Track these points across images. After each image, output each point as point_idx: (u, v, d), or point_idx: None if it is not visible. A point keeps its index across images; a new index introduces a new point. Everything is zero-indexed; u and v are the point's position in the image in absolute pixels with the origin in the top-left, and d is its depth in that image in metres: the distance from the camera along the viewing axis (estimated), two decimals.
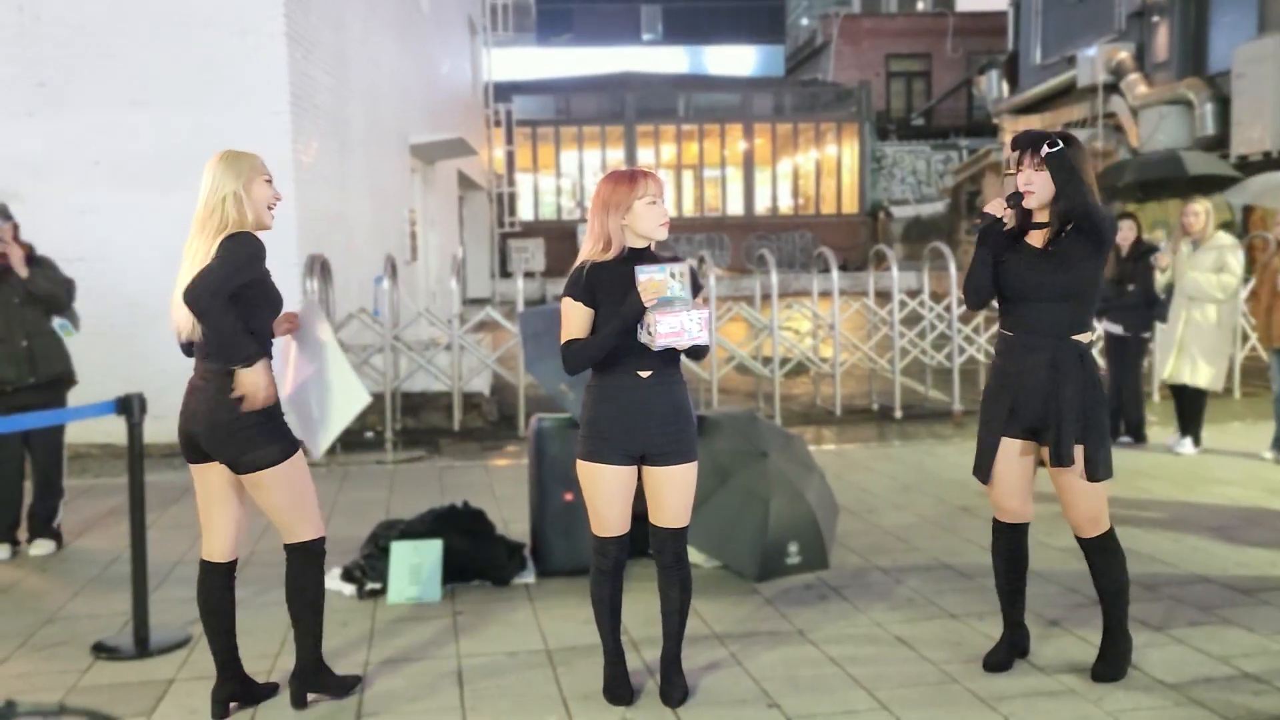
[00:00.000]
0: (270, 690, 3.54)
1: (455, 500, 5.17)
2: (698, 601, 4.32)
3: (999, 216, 3.50)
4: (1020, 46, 25.35)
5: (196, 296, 3.17)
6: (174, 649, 3.98)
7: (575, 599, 4.50)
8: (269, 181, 3.40)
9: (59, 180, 8.10)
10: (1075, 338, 3.46)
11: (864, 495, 6.28)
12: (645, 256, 3.28)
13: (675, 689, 3.42)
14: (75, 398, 5.62)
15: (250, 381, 3.21)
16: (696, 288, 3.26)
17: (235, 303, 3.22)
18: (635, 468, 3.35)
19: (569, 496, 4.78)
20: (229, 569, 3.46)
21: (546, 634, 4.10)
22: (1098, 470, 3.45)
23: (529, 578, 4.77)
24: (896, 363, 9.56)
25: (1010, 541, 3.68)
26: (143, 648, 3.92)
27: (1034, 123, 23.82)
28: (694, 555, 4.82)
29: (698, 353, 3.28)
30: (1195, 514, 5.70)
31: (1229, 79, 16.60)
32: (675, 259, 3.27)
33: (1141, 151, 14.09)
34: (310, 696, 3.46)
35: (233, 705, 3.43)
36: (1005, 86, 25.73)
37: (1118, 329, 7.51)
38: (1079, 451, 3.43)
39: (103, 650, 3.95)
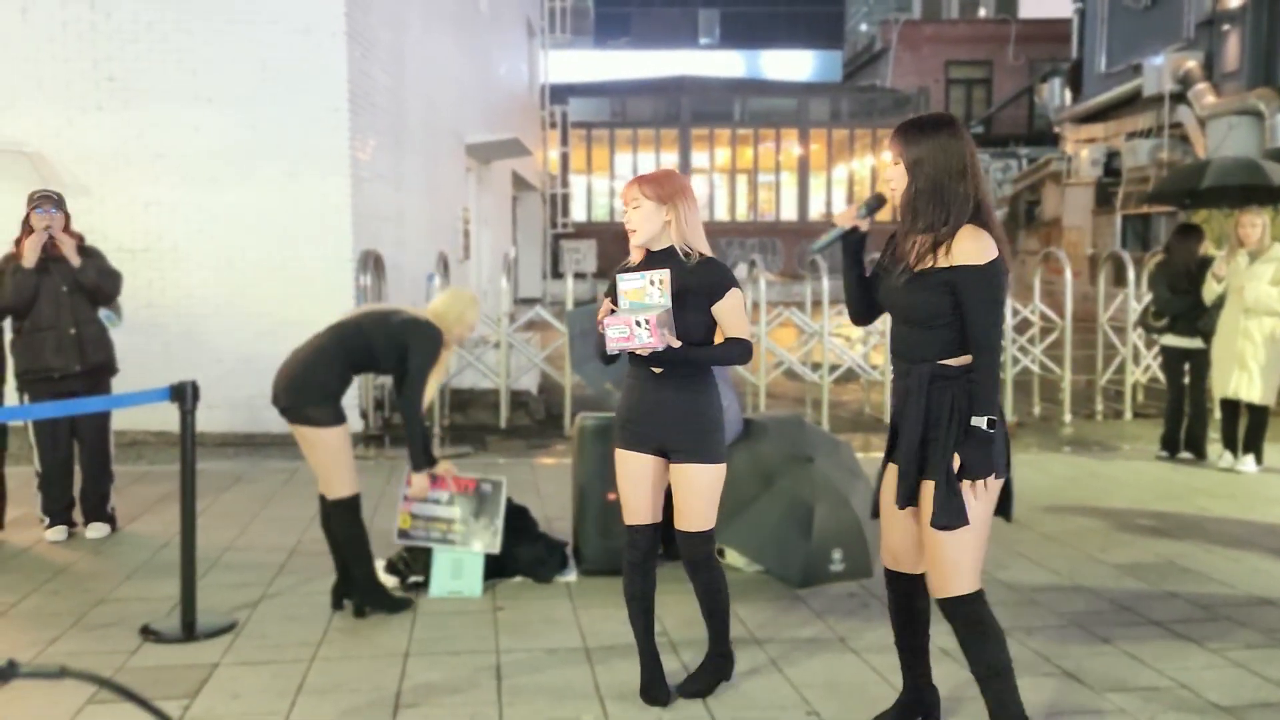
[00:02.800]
0: None
1: None
2: (738, 605, 4.30)
3: (851, 227, 3.07)
4: (1084, 54, 24.87)
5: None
6: (219, 634, 4.03)
7: (615, 598, 4.48)
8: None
9: (124, 174, 8.29)
10: (941, 361, 2.89)
11: None
12: (657, 260, 3.32)
13: (693, 681, 3.50)
14: (129, 386, 5.74)
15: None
16: (722, 287, 3.31)
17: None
18: (661, 460, 3.39)
19: (611, 496, 4.76)
20: None
21: (586, 632, 4.10)
22: (937, 516, 2.85)
23: (570, 576, 4.77)
24: None
25: (897, 592, 3.13)
26: (189, 632, 3.98)
27: (1097, 132, 23.38)
28: (735, 559, 4.79)
29: (659, 357, 3.25)
30: (1255, 534, 5.54)
31: None
32: (700, 265, 3.31)
33: (1213, 157, 13.74)
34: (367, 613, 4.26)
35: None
36: (1068, 95, 25.26)
37: (1183, 342, 7.32)
38: (926, 489, 2.89)
39: (150, 633, 4.02)
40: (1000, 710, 2.93)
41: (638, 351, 3.20)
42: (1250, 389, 6.96)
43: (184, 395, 4.00)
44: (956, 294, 2.84)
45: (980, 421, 2.82)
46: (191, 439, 4.02)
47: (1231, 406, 7.18)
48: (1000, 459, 2.88)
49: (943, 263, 2.85)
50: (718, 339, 3.35)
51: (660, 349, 3.17)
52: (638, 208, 3.32)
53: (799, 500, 4.69)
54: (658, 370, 3.32)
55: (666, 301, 3.18)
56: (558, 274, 24.24)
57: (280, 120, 8.30)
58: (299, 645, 3.94)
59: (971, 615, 2.93)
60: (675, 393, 3.32)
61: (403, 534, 4.55)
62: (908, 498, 2.96)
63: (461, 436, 8.57)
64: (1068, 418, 9.36)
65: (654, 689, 3.43)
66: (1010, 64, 31.65)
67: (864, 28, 40.65)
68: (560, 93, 25.59)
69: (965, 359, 2.88)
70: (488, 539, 4.54)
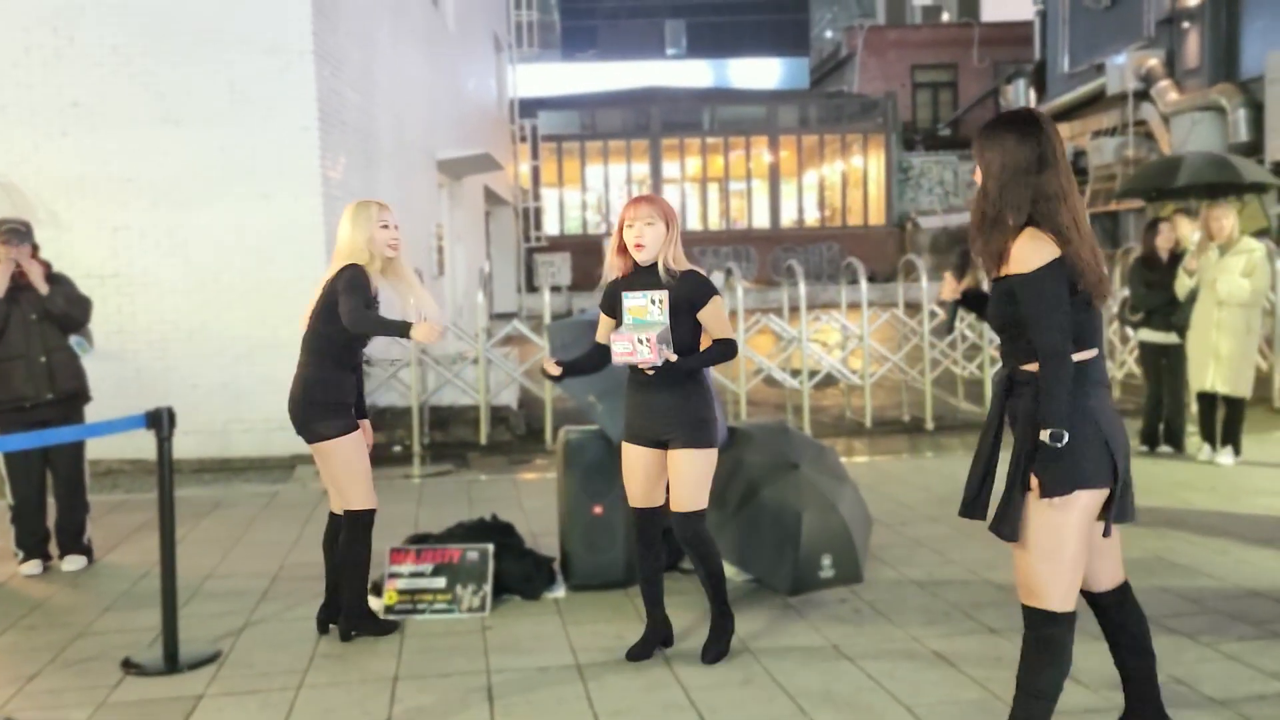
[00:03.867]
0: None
1: (484, 514, 5.14)
2: (741, 623, 4.26)
3: (958, 298, 3.10)
4: (1047, 55, 25.17)
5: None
6: (203, 664, 3.95)
7: (605, 613, 4.44)
8: (385, 227, 4.13)
9: (92, 199, 8.18)
10: (1020, 368, 2.85)
11: (897, 508, 6.18)
12: (644, 274, 3.75)
13: (711, 649, 3.86)
14: (102, 413, 5.65)
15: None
16: (705, 295, 3.72)
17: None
18: (659, 452, 3.83)
19: (598, 510, 4.73)
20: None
21: (577, 649, 4.05)
22: (995, 522, 2.81)
23: (559, 592, 4.72)
24: (928, 374, 9.45)
25: (1094, 610, 3.00)
26: (172, 663, 3.90)
27: (1063, 131, 23.61)
28: (725, 568, 4.74)
29: (659, 370, 3.67)
30: (1239, 526, 5.57)
31: (1262, 84, 16.38)
32: (683, 278, 3.72)
33: (1185, 153, 13.90)
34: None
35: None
36: (1033, 95, 25.54)
37: (1159, 337, 7.38)
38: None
39: (132, 666, 3.93)
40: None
41: (640, 366, 3.65)
42: (1226, 382, 7.01)
43: (160, 422, 3.92)
44: (1017, 303, 2.79)
45: (1044, 435, 2.69)
46: (169, 466, 3.94)
47: (1208, 399, 7.23)
48: (1090, 470, 2.72)
49: (1004, 270, 2.81)
50: (704, 342, 3.80)
51: (659, 364, 3.61)
52: (651, 224, 3.70)
53: (786, 507, 4.67)
54: (650, 373, 3.71)
55: (665, 319, 3.63)
56: (532, 288, 24.18)
57: (250, 141, 8.23)
58: (285, 673, 3.87)
59: (1049, 635, 2.78)
60: (667, 392, 3.75)
61: (389, 609, 4.43)
62: (971, 505, 2.90)
63: (442, 454, 8.50)
64: None
65: (641, 649, 3.90)
66: (975, 66, 31.96)
67: (829, 34, 40.93)
68: (529, 106, 25.56)
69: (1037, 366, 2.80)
70: (475, 604, 4.47)
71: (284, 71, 8.25)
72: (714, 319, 3.76)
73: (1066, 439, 2.68)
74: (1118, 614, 2.95)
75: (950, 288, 3.09)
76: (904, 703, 3.47)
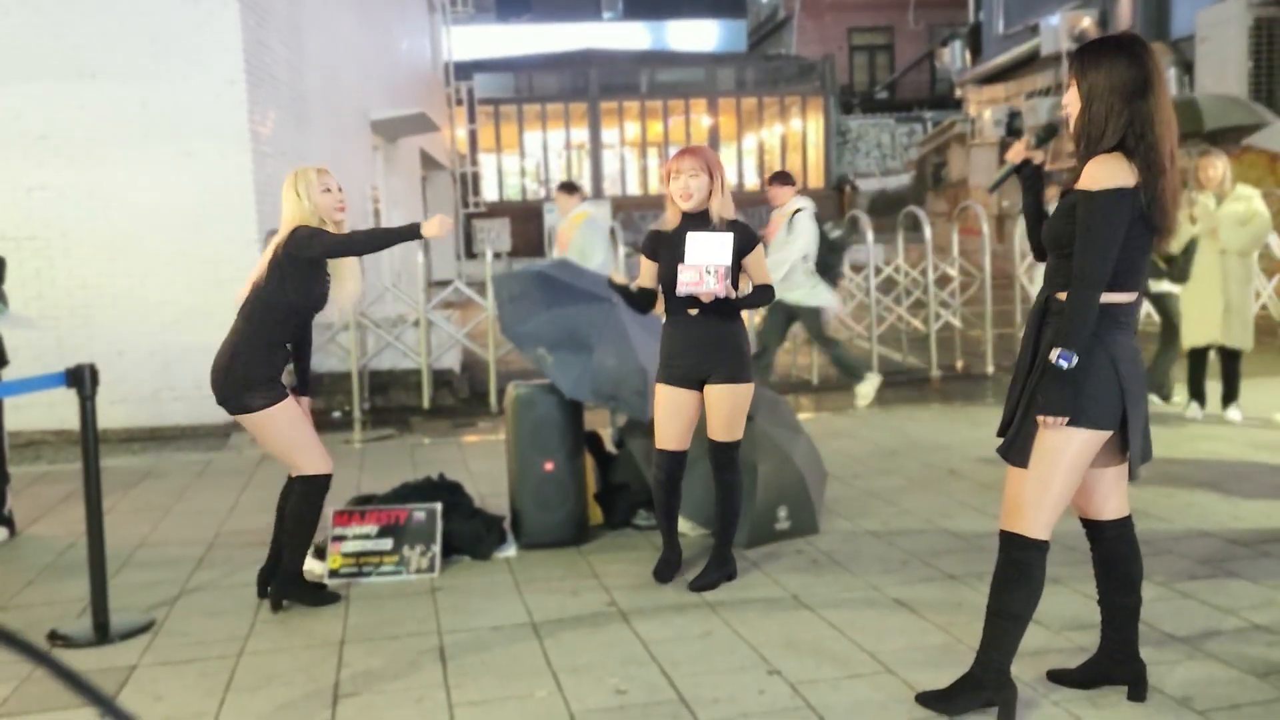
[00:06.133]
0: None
1: (430, 476, 4.98)
2: (686, 571, 4.19)
3: (1023, 160, 3.01)
4: (982, 17, 25.30)
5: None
6: (136, 634, 3.75)
7: (559, 571, 4.33)
8: (327, 191, 3.92)
9: (5, 157, 7.75)
10: (1056, 295, 2.81)
11: (849, 461, 6.14)
12: (694, 222, 3.92)
13: (702, 578, 4.04)
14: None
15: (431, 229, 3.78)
16: (752, 243, 3.94)
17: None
18: (694, 393, 4.01)
19: (549, 466, 4.60)
20: None
21: (531, 607, 3.92)
22: (1003, 446, 2.87)
23: (510, 551, 4.59)
24: (874, 329, 9.44)
25: (1090, 539, 3.03)
26: (102, 634, 3.70)
27: (998, 93, 23.82)
28: (682, 524, 4.66)
29: (694, 302, 3.89)
30: (1185, 470, 5.62)
31: (1193, 44, 16.62)
32: (730, 227, 3.89)
33: (1196, 96, 13.49)
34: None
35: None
36: (968, 57, 25.69)
37: (1163, 286, 7.01)
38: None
39: (59, 638, 3.72)
40: (991, 646, 2.86)
41: (701, 296, 3.80)
42: (1237, 334, 6.68)
43: (81, 379, 3.69)
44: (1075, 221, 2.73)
45: (1053, 355, 2.66)
46: (92, 426, 3.71)
47: (1200, 355, 6.91)
48: (1095, 409, 2.69)
49: (1077, 186, 2.74)
50: (743, 286, 4.02)
51: (722, 295, 3.78)
52: (695, 176, 3.87)
53: (741, 459, 4.57)
54: (693, 312, 3.92)
55: (728, 260, 3.80)
56: (471, 254, 23.80)
57: (173, 95, 7.85)
58: (224, 641, 3.69)
59: (1021, 559, 2.81)
60: (710, 329, 3.94)
61: (333, 574, 4.26)
62: (1005, 428, 2.86)
63: (383, 419, 8.28)
64: (990, 370, 9.48)
65: (662, 570, 4.13)
66: (911, 29, 32.05)
67: None
68: (465, 69, 25.03)
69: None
70: (424, 565, 4.32)
71: (206, 21, 7.86)
72: (757, 265, 3.98)
73: (1075, 362, 2.65)
74: (1115, 546, 2.95)
75: (1019, 150, 3.01)
76: (867, 650, 3.41)
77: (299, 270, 3.83)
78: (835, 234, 8.10)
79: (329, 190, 3.92)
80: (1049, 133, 3.06)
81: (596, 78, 29.35)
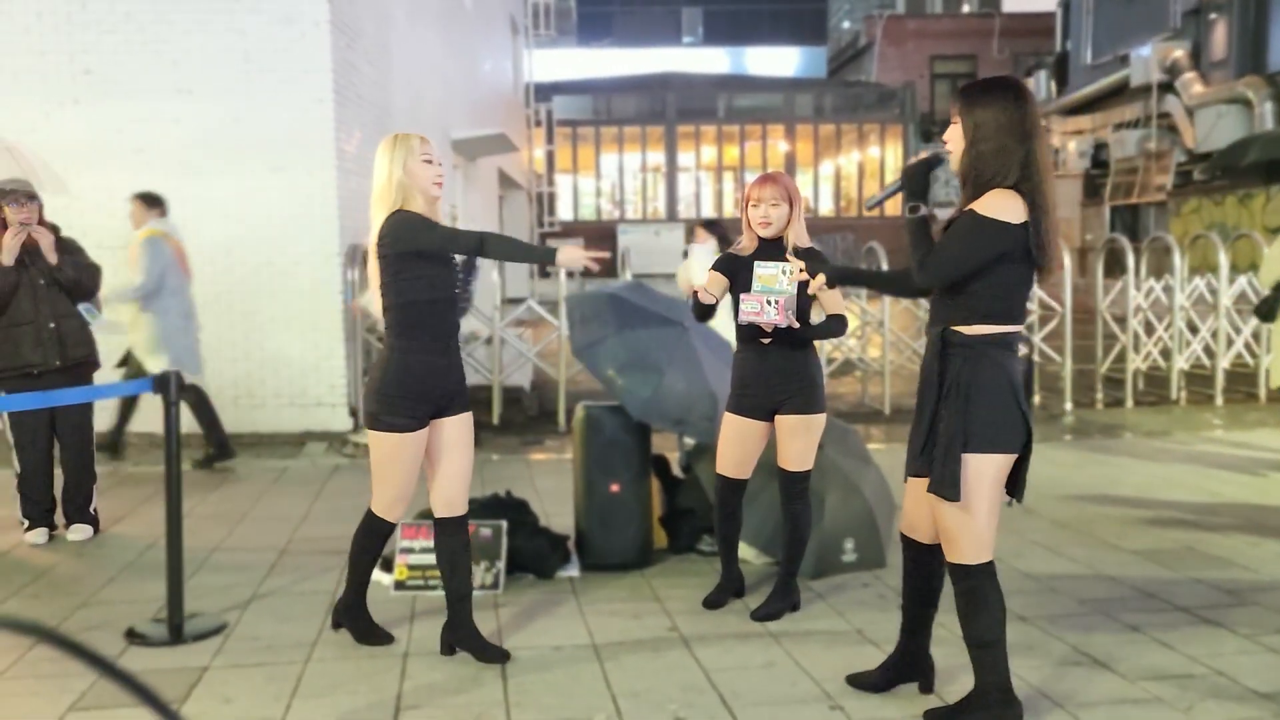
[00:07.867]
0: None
1: (497, 491, 5.02)
2: (750, 599, 4.15)
3: (903, 183, 3.09)
4: (1070, 46, 24.88)
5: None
6: (208, 636, 3.85)
7: (622, 593, 4.32)
8: (428, 161, 3.53)
9: (103, 168, 8.05)
10: (953, 327, 2.87)
11: None
12: (770, 248, 3.90)
13: (765, 607, 4.00)
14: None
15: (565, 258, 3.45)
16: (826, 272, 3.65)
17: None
18: (762, 424, 3.99)
19: (615, 488, 4.61)
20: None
21: (593, 628, 3.93)
22: (933, 483, 2.87)
23: (573, 571, 4.60)
24: None
25: (908, 558, 3.22)
26: (177, 634, 3.80)
27: (1084, 124, 23.36)
28: (745, 551, 4.63)
29: (795, 333, 3.85)
30: (1271, 518, 5.41)
31: None
32: (804, 255, 3.81)
33: (1259, 133, 13.50)
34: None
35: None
36: (1054, 87, 25.28)
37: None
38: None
39: (136, 636, 3.83)
40: (983, 678, 2.96)
41: (763, 325, 3.79)
42: None
43: (167, 386, 3.81)
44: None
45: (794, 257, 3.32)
46: (176, 430, 3.83)
47: None
48: (1008, 436, 2.85)
49: (969, 206, 2.85)
50: (815, 316, 3.96)
51: (782, 325, 3.77)
52: (776, 205, 3.88)
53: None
54: (765, 341, 3.90)
55: (793, 290, 3.74)
56: (545, 274, 24.04)
57: (264, 112, 8.10)
58: (293, 647, 3.76)
59: (969, 587, 2.93)
60: (782, 359, 3.92)
61: (399, 585, 4.32)
62: (916, 465, 2.98)
63: None
64: (1068, 406, 9.25)
65: (715, 598, 4.12)
66: (995, 57, 31.65)
67: (847, 24, 40.58)
68: (545, 91, 25.40)
69: (979, 327, 2.86)
70: (488, 581, 4.36)
71: (299, 42, 8.11)
72: (829, 295, 3.89)
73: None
74: (930, 565, 3.14)
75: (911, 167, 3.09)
76: (933, 690, 3.33)
77: (406, 263, 3.45)
78: None
79: (429, 161, 3.50)
80: (936, 160, 3.07)
81: (674, 101, 29.53)
